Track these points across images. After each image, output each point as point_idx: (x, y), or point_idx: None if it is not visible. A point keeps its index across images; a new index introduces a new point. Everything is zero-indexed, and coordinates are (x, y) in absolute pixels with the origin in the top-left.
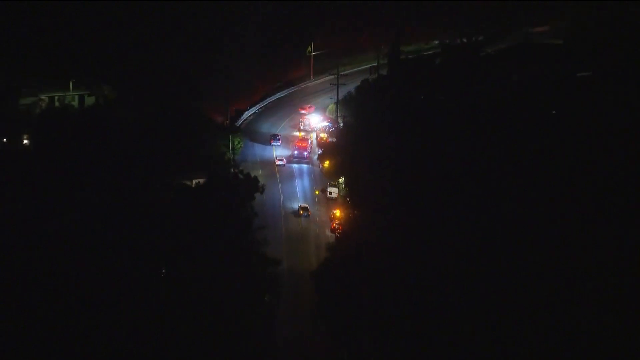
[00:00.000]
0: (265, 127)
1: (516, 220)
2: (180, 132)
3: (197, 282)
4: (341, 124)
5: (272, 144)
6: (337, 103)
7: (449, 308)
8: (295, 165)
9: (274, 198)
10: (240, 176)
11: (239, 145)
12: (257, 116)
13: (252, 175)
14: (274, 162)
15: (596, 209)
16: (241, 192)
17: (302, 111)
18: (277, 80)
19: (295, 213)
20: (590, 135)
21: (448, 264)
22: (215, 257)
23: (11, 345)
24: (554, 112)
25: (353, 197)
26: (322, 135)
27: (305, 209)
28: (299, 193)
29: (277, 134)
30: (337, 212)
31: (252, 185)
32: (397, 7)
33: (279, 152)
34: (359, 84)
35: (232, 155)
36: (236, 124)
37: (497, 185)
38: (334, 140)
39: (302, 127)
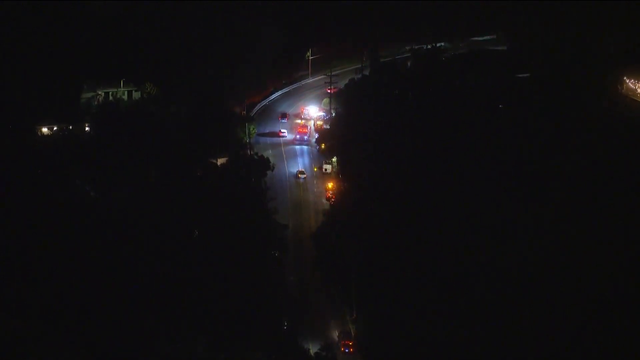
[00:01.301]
0: (274, 116)
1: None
2: (208, 122)
3: (224, 243)
4: (334, 114)
5: (281, 120)
6: (330, 97)
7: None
8: (297, 147)
9: (280, 173)
10: (255, 157)
11: (253, 131)
12: (267, 107)
13: (265, 156)
14: (282, 145)
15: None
16: (256, 170)
17: (299, 120)
18: (283, 79)
19: (296, 177)
20: (528, 126)
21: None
22: (237, 223)
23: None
24: (500, 106)
25: (344, 172)
26: (318, 122)
27: (302, 172)
28: (300, 168)
29: (287, 113)
30: (331, 185)
31: (264, 165)
32: (377, 17)
33: (284, 133)
34: (347, 82)
35: (248, 140)
36: (250, 114)
37: (446, 164)
38: (329, 126)
39: (302, 116)
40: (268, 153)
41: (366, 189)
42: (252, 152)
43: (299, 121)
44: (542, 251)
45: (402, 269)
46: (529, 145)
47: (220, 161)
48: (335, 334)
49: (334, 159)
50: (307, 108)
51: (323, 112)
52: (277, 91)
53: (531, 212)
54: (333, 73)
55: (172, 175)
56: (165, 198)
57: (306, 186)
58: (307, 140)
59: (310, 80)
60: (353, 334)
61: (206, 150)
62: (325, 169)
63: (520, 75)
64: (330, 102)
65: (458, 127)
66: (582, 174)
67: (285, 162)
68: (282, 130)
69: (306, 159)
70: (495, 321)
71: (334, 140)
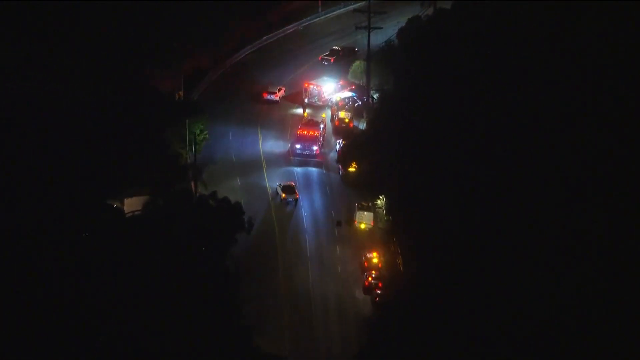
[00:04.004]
0: (248, 94)
1: None
2: (101, 120)
3: None
4: (375, 97)
5: (267, 98)
6: (368, 59)
7: None
8: (297, 169)
9: (264, 231)
10: (211, 202)
11: (202, 136)
12: (232, 77)
13: (230, 198)
14: (262, 160)
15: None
16: (214, 232)
17: (300, 111)
18: (265, 18)
19: (281, 199)
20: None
21: None
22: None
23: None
24: None
25: (405, 230)
26: (342, 115)
27: (289, 190)
28: (305, 222)
29: (276, 89)
30: (375, 258)
31: (231, 217)
32: None
33: (268, 144)
34: (403, 24)
35: (192, 154)
36: (194, 96)
37: None
38: (365, 124)
39: (308, 100)
40: (235, 184)
41: (462, 275)
42: (200, 183)
43: (300, 111)
44: None
45: None
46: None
47: (130, 204)
48: None
49: (381, 201)
50: (316, 83)
51: (351, 90)
52: (254, 43)
53: None
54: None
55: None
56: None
57: (320, 255)
58: (318, 153)
59: (321, 17)
60: None
61: (98, 182)
62: (361, 221)
63: None
64: (368, 70)
65: None
66: None
67: (273, 209)
68: (271, 92)
69: (316, 198)
70: None
71: (377, 155)
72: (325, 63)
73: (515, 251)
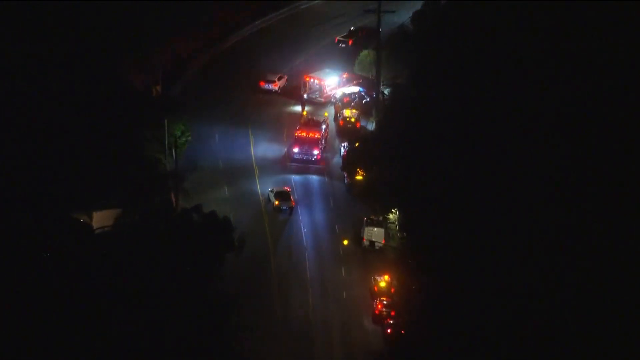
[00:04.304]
0: (236, 93)
1: None
2: (66, 120)
3: None
4: (387, 92)
5: (265, 87)
6: (378, 48)
7: None
8: (295, 177)
9: (258, 249)
10: (195, 217)
11: (184, 139)
12: (219, 68)
13: (219, 212)
14: (253, 166)
15: None
16: (199, 253)
17: (299, 108)
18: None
19: (273, 206)
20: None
21: None
22: None
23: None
24: None
25: (423, 250)
26: (347, 113)
27: (284, 196)
28: (305, 239)
29: (276, 78)
30: (386, 281)
31: (220, 237)
32: None
33: (261, 147)
34: (419, 7)
35: (170, 159)
36: (174, 92)
37: None
38: (374, 124)
39: (308, 95)
40: (223, 195)
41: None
42: (182, 193)
43: (299, 109)
44: None
45: None
46: None
47: (100, 218)
48: None
49: (393, 215)
50: (317, 76)
51: (358, 84)
52: (244, 28)
53: None
54: None
55: None
56: None
57: (323, 277)
58: (319, 158)
59: None
60: None
61: (61, 192)
62: (370, 239)
63: None
64: (378, 60)
65: None
66: None
67: (267, 223)
68: (269, 81)
69: (318, 212)
70: None
71: (390, 162)
72: (342, 46)
73: (565, 283)
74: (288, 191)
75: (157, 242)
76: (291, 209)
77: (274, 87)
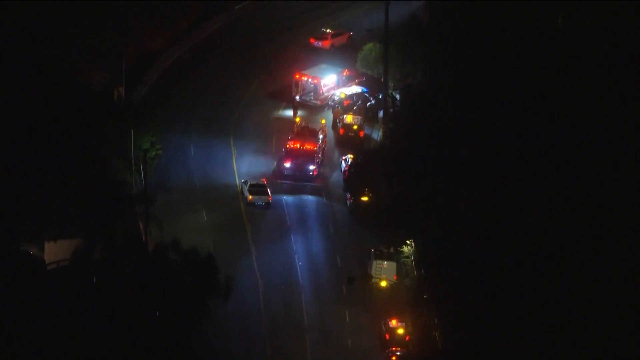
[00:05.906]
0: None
1: None
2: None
3: None
4: (397, 94)
5: (315, 44)
6: (385, 41)
7: None
8: (288, 198)
9: (245, 289)
10: (171, 254)
11: (154, 152)
12: (193, 64)
13: (194, 247)
14: (237, 185)
15: None
16: (177, 299)
17: (290, 113)
18: None
19: (246, 200)
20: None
21: None
22: None
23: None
24: None
25: (445, 290)
26: (348, 120)
27: (258, 190)
28: (300, 275)
29: (342, 32)
30: (400, 328)
31: (203, 280)
32: None
33: (245, 161)
34: None
35: (139, 179)
36: (140, 93)
37: None
38: (381, 133)
39: (300, 100)
40: (201, 221)
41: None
42: (153, 222)
43: (291, 114)
44: None
45: None
46: None
47: (53, 250)
48: None
49: (407, 247)
50: (312, 74)
51: (361, 84)
52: (222, 15)
53: None
54: None
55: None
56: None
57: (323, 323)
58: (317, 178)
59: None
60: None
61: (8, 219)
62: (379, 275)
63: None
64: (385, 54)
65: None
66: None
67: (254, 256)
68: (320, 37)
69: (314, 240)
70: None
71: (401, 179)
72: (319, 45)
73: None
74: (264, 184)
75: (125, 286)
76: (267, 204)
77: (324, 45)
